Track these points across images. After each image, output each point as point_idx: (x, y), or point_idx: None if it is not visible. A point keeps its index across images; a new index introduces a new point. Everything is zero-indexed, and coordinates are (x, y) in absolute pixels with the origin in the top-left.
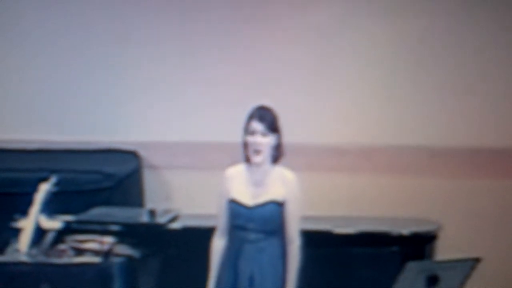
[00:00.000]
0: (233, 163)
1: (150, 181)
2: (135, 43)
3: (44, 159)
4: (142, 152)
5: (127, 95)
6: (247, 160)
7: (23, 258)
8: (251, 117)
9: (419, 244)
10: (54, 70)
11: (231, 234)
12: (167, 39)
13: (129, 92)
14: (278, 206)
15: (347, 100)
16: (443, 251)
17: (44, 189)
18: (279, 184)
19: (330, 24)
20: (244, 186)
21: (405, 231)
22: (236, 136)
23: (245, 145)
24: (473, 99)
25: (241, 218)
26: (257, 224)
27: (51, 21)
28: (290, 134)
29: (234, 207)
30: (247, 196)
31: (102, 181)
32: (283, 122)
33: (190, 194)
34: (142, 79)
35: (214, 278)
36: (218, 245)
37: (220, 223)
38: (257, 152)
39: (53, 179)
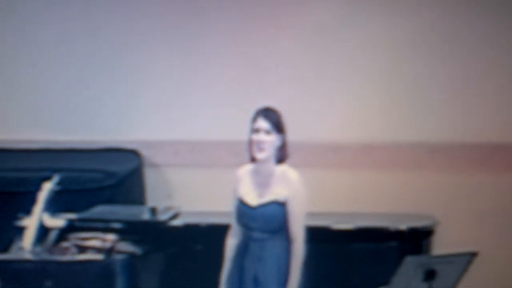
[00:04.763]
0: (234, 161)
1: (151, 179)
2: (137, 42)
3: (47, 159)
4: (143, 151)
5: (129, 94)
6: (252, 159)
7: (27, 255)
8: (256, 115)
9: (416, 239)
10: (56, 70)
11: (240, 232)
12: (169, 39)
13: (131, 91)
14: (280, 205)
15: (347, 97)
16: (444, 246)
17: (47, 188)
18: (281, 184)
19: (331, 23)
20: (250, 186)
21: (403, 226)
22: (237, 134)
23: (250, 144)
24: (473, 95)
25: (245, 217)
26: (260, 224)
27: (54, 23)
28: (290, 131)
29: (240, 206)
30: (252, 196)
31: (104, 179)
32: (284, 119)
33: (191, 192)
34: (143, 78)
35: (225, 275)
36: (230, 243)
37: (233, 221)
38: (261, 149)
39: (56, 178)
